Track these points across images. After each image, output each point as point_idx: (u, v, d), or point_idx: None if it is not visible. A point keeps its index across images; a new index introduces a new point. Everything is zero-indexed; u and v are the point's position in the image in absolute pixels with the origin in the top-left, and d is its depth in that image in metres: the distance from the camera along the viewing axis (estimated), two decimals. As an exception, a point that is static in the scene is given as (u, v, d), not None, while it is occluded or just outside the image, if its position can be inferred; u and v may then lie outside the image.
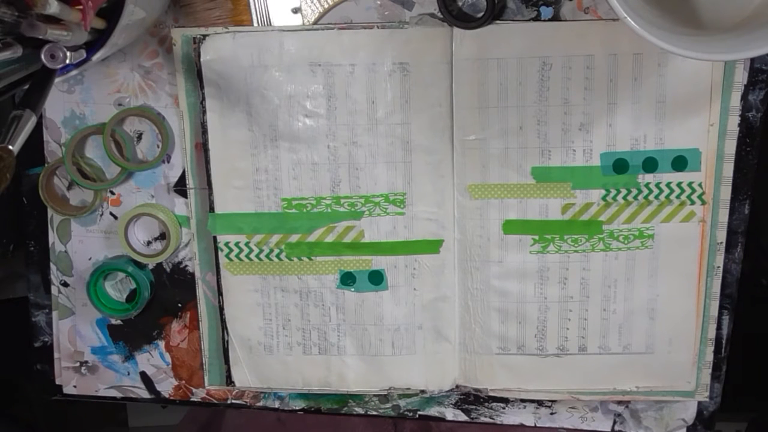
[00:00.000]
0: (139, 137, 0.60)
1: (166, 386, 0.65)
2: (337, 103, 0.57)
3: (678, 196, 0.57)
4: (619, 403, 0.62)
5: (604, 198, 0.57)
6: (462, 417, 0.63)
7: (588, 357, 0.60)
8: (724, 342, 0.60)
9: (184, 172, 0.60)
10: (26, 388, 1.21)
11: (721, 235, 0.58)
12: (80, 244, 0.62)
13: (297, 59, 0.56)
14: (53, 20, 0.40)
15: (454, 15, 0.55)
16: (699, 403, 0.62)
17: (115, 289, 0.64)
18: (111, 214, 0.62)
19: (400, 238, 0.59)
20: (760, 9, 0.49)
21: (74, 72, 0.48)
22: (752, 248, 0.60)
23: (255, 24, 0.57)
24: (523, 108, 0.56)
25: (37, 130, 0.60)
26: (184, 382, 0.65)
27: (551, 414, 0.63)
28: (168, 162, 0.60)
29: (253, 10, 0.56)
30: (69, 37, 0.41)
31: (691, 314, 0.59)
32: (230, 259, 0.60)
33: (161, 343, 0.64)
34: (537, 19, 0.55)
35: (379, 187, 0.58)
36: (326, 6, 0.56)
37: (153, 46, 0.58)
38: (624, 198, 0.57)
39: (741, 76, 0.55)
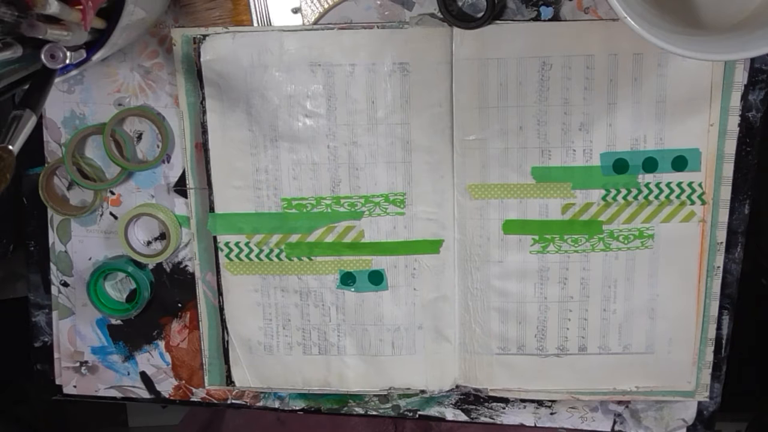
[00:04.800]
0: (139, 137, 0.60)
1: (166, 386, 0.65)
2: (337, 103, 0.57)
3: (678, 196, 0.57)
4: (619, 403, 0.62)
5: (604, 198, 0.57)
6: (462, 417, 0.64)
7: (588, 357, 0.60)
8: (724, 342, 0.60)
9: (184, 172, 0.60)
10: (26, 388, 1.21)
11: (721, 235, 0.58)
12: (80, 244, 0.62)
13: (297, 59, 0.56)
14: (53, 20, 0.40)
15: (454, 15, 0.55)
16: (699, 403, 0.62)
17: (115, 289, 0.64)
18: (111, 214, 0.62)
19: (400, 238, 0.59)
20: (760, 9, 0.49)
21: (74, 72, 0.48)
22: (752, 248, 0.60)
23: (255, 24, 0.57)
24: (523, 108, 0.56)
25: (37, 130, 0.60)
26: (184, 382, 0.65)
27: (551, 414, 0.63)
28: (168, 162, 0.60)
29: (253, 10, 0.56)
30: (69, 37, 0.41)
31: (691, 314, 0.59)
32: (230, 259, 0.60)
33: (161, 343, 0.64)
34: (537, 19, 0.55)
35: (379, 187, 0.58)
36: (326, 6, 0.56)
37: (153, 46, 0.58)
38: (624, 198, 0.57)
39: (741, 76, 0.55)
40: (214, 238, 0.60)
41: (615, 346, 0.60)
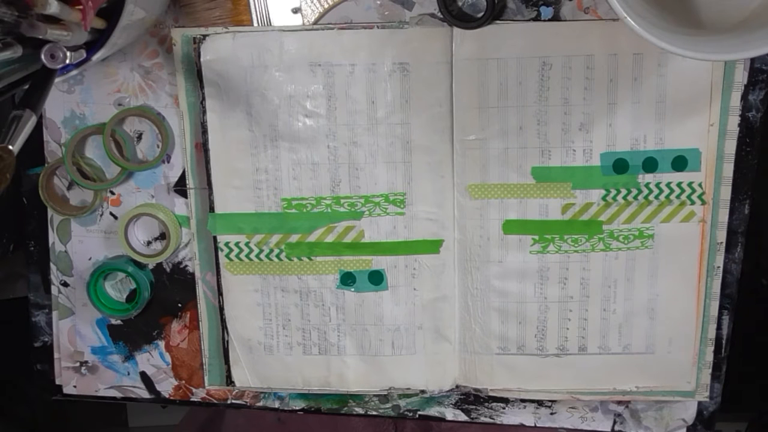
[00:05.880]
0: (139, 137, 0.60)
1: (166, 386, 0.65)
2: (337, 103, 0.57)
3: (678, 196, 0.57)
4: (619, 403, 0.62)
5: (604, 198, 0.57)
6: (462, 417, 0.63)
7: (588, 357, 0.60)
8: (724, 342, 0.60)
9: (184, 172, 0.60)
10: (26, 388, 1.21)
11: (721, 235, 0.58)
12: (80, 244, 0.62)
13: (297, 59, 0.56)
14: (53, 20, 0.40)
15: (454, 15, 0.55)
16: (699, 403, 0.62)
17: (115, 289, 0.64)
18: (111, 214, 0.62)
19: (400, 238, 0.59)
20: (760, 9, 0.49)
21: (74, 72, 0.48)
22: (752, 248, 0.60)
23: (255, 24, 0.57)
24: (523, 108, 0.56)
25: (37, 130, 0.60)
26: (184, 382, 0.65)
27: (551, 414, 0.63)
28: (168, 162, 0.60)
29: (253, 10, 0.56)
30: (69, 37, 0.41)
31: (691, 314, 0.59)
32: (230, 259, 0.60)
33: (161, 343, 0.64)
34: (537, 19, 0.55)
35: (379, 187, 0.58)
36: (326, 6, 0.56)
37: (153, 46, 0.58)
38: (624, 198, 0.57)
39: (741, 76, 0.55)
40: (214, 238, 0.60)
41: (615, 346, 0.60)
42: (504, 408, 0.63)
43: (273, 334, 0.62)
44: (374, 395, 0.63)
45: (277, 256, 0.60)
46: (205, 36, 0.56)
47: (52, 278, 0.63)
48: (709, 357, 0.60)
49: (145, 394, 0.65)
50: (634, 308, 0.59)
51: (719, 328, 0.60)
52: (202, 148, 0.59)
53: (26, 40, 0.40)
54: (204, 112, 0.58)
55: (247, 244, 0.60)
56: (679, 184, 0.57)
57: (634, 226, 0.58)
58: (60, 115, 0.60)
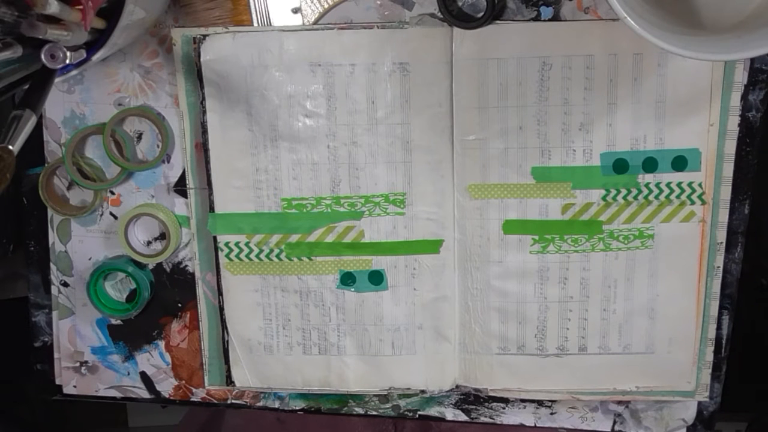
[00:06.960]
0: (139, 137, 0.60)
1: (166, 386, 0.65)
2: (337, 103, 0.57)
3: (678, 196, 0.57)
4: (619, 403, 0.62)
5: (604, 198, 0.57)
6: (462, 417, 0.64)
7: (588, 357, 0.60)
8: (724, 342, 0.60)
9: (184, 172, 0.60)
10: (26, 388, 1.21)
11: (721, 235, 0.58)
12: (80, 244, 0.62)
13: (297, 59, 0.56)
14: (53, 20, 0.40)
15: (454, 15, 0.55)
16: (699, 403, 0.62)
17: (115, 289, 0.64)
18: (111, 214, 0.62)
19: (400, 238, 0.59)
20: (760, 9, 0.49)
21: (74, 72, 0.48)
22: (752, 248, 0.60)
23: (255, 24, 0.57)
24: (523, 108, 0.56)
25: (37, 130, 0.60)
26: (184, 382, 0.65)
27: (551, 414, 0.63)
28: (168, 162, 0.60)
29: (253, 10, 0.56)
30: (69, 37, 0.41)
31: (691, 314, 0.59)
32: (230, 259, 0.60)
33: (161, 343, 0.64)
34: (537, 19, 0.55)
35: (379, 187, 0.58)
36: (326, 6, 0.56)
37: (153, 46, 0.58)
38: (624, 198, 0.57)
39: (741, 76, 0.55)
40: (214, 238, 0.60)
41: (615, 346, 0.60)
42: (504, 408, 0.63)
43: (273, 334, 0.62)
44: (374, 395, 0.63)
45: (277, 256, 0.60)
46: (205, 36, 0.56)
47: (52, 278, 0.63)
48: (709, 357, 0.60)
49: (145, 394, 0.65)
50: (634, 308, 0.59)
51: (719, 328, 0.60)
52: (202, 148, 0.59)
53: (26, 40, 0.40)
54: (204, 112, 0.58)
55: (247, 244, 0.60)
56: (679, 184, 0.57)
57: (634, 226, 0.58)
58: (60, 115, 0.60)
